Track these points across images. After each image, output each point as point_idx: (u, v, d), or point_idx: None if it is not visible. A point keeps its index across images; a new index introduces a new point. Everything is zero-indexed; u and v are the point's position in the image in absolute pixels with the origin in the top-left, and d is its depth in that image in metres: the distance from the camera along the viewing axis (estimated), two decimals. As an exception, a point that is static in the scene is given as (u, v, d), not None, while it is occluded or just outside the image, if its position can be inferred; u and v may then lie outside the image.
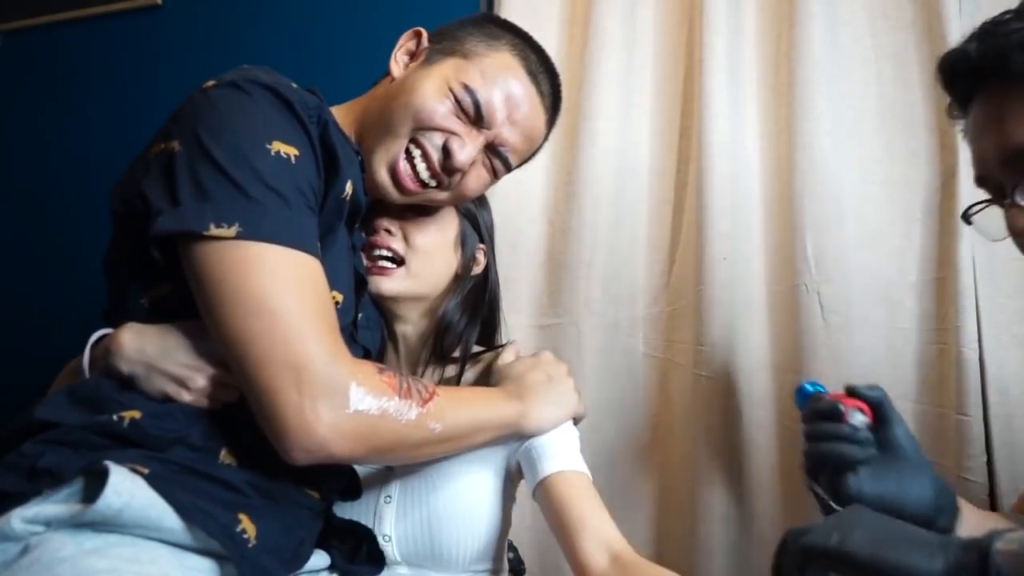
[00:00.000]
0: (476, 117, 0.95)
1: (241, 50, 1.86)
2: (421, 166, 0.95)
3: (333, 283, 0.83)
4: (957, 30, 1.32)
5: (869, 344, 1.35)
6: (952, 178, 1.32)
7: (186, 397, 0.80)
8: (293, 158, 0.80)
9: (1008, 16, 0.78)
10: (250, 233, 0.76)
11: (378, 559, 0.98)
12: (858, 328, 1.35)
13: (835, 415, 0.86)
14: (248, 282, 0.75)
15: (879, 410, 0.88)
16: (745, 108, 1.46)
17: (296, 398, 0.74)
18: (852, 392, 0.88)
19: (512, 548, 1.15)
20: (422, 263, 1.06)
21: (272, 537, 0.79)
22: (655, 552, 1.43)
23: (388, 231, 1.05)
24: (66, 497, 0.71)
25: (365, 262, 1.05)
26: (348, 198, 0.88)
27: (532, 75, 0.99)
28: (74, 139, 2.00)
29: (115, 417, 0.76)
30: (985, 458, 1.23)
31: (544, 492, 0.98)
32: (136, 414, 0.77)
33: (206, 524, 0.72)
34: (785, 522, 1.33)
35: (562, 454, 0.99)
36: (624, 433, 1.47)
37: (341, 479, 0.96)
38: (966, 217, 0.89)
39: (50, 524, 0.69)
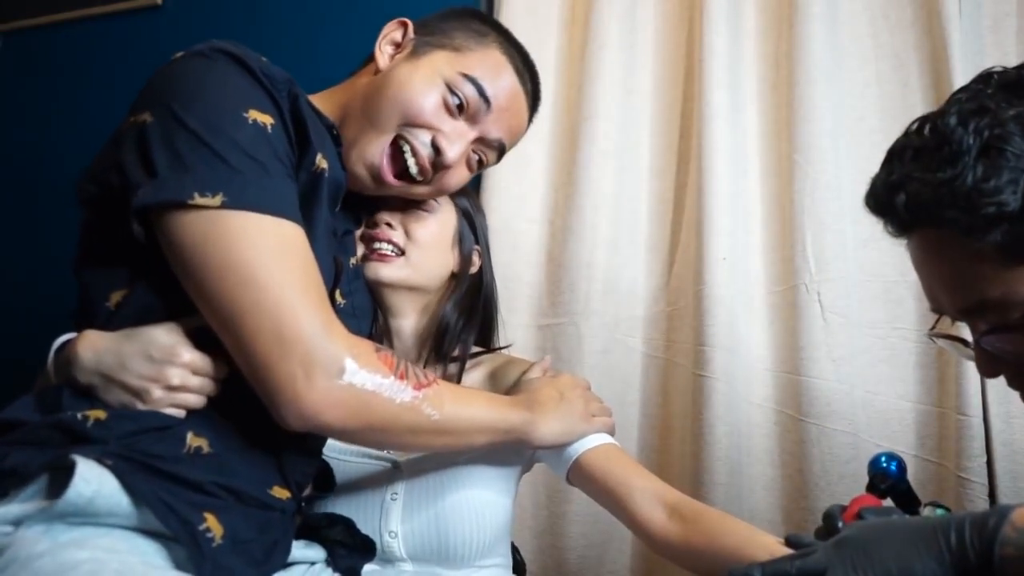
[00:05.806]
0: (474, 109, 0.95)
1: (241, 50, 1.86)
2: (411, 162, 0.95)
3: None
4: (957, 30, 1.33)
5: (869, 344, 1.35)
6: (952, 178, 1.32)
7: (142, 408, 0.76)
8: (269, 127, 0.79)
9: (929, 145, 0.69)
10: (234, 202, 0.74)
11: (369, 546, 0.98)
12: (858, 328, 1.35)
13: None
14: (235, 253, 0.74)
15: None
16: (745, 108, 1.46)
17: (289, 368, 0.74)
18: (861, 517, 0.76)
19: (514, 550, 1.15)
20: (421, 255, 1.07)
21: (242, 535, 0.77)
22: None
23: (389, 224, 1.06)
24: (32, 495, 0.69)
25: (362, 250, 1.05)
26: (323, 173, 0.85)
27: (519, 73, 1.00)
28: (74, 139, 2.00)
29: (79, 416, 0.74)
30: (985, 458, 1.23)
31: (579, 472, 1.00)
32: (101, 415, 0.75)
33: (167, 519, 0.71)
34: (785, 522, 1.33)
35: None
36: (623, 433, 1.47)
37: (309, 467, 0.93)
38: (930, 336, 0.82)
39: (19, 523, 0.68)
